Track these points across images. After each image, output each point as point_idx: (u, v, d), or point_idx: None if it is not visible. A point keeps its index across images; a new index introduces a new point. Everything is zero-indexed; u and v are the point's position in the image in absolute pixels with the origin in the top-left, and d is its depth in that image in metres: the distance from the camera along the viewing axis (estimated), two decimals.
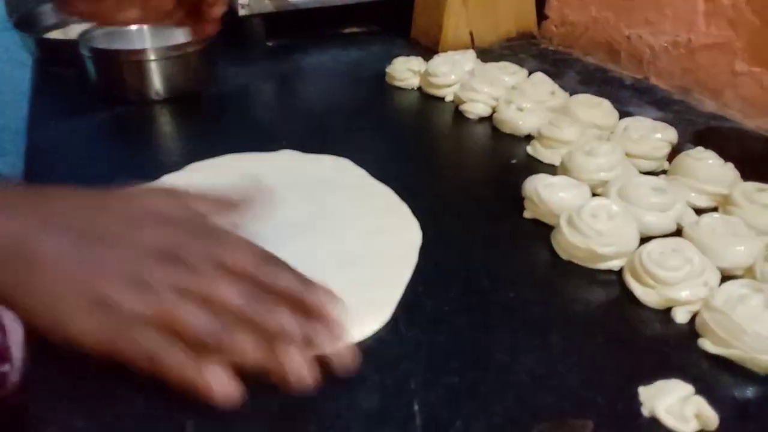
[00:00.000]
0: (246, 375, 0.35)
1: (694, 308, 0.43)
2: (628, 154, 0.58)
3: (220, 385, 0.34)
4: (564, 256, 0.49)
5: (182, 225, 0.38)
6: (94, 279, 0.34)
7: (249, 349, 0.34)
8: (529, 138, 0.66)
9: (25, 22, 0.90)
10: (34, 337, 0.35)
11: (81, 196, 0.38)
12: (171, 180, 0.56)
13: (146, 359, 0.34)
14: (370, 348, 0.40)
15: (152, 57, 0.72)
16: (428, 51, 0.87)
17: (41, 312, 0.34)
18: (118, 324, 0.34)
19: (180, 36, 0.76)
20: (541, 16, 0.96)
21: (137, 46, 0.80)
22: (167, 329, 0.34)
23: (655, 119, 0.64)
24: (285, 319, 0.35)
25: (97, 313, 0.34)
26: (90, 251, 0.35)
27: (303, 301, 0.36)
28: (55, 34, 0.93)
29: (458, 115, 0.73)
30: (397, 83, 0.80)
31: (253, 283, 0.36)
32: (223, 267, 0.36)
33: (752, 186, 0.52)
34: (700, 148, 0.57)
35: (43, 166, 0.62)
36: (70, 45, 0.77)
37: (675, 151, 0.60)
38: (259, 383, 0.37)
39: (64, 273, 0.34)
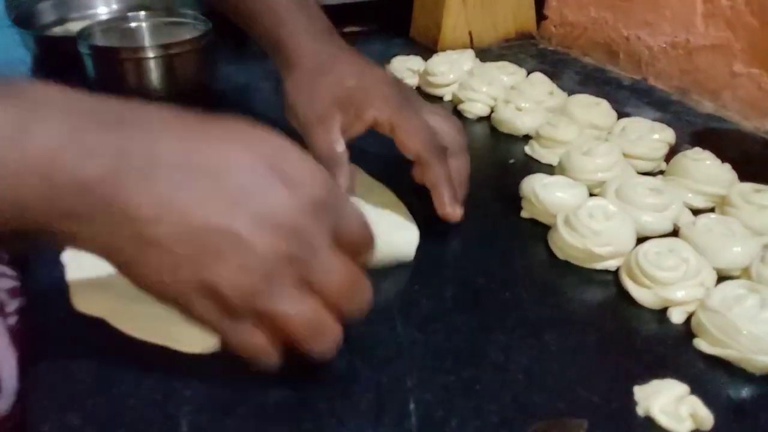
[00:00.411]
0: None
1: (689, 308, 0.43)
2: (625, 155, 0.58)
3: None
4: (561, 255, 0.49)
5: (310, 203, 0.32)
6: (205, 263, 0.29)
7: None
8: (527, 138, 0.66)
9: (24, 20, 0.90)
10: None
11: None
12: None
13: (244, 351, 0.32)
14: (365, 346, 0.40)
15: (151, 54, 0.72)
16: (427, 50, 0.87)
17: (151, 283, 0.30)
18: (223, 316, 0.31)
19: (179, 34, 0.76)
20: (540, 16, 0.96)
21: (136, 43, 0.80)
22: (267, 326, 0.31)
23: (654, 120, 0.64)
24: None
25: (209, 302, 0.30)
26: (211, 218, 0.29)
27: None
28: (54, 32, 0.93)
29: (457, 115, 0.73)
30: None
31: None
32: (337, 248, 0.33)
33: (749, 187, 0.52)
34: (697, 149, 0.57)
35: None
36: (69, 42, 0.77)
37: (673, 152, 0.60)
38: (255, 380, 0.37)
39: (175, 248, 0.29)
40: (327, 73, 0.50)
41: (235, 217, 0.29)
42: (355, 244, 0.34)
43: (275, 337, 0.32)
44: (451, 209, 0.47)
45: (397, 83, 0.52)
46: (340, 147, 0.48)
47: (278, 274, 0.30)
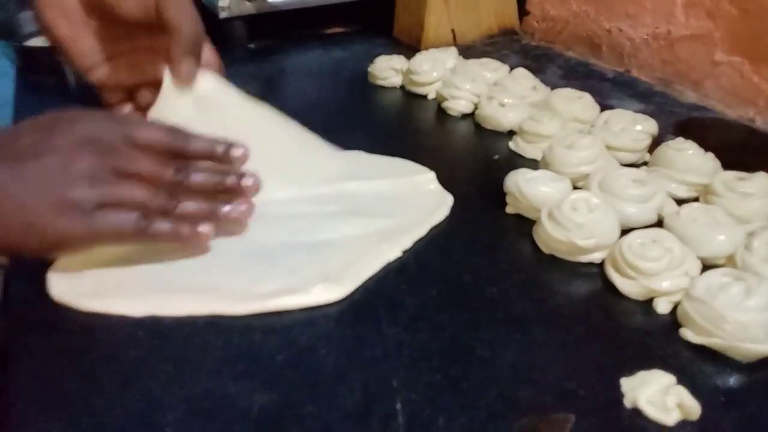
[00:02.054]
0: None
1: (675, 298, 0.43)
2: (608, 147, 0.58)
3: (195, 231, 0.44)
4: (546, 250, 0.49)
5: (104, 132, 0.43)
6: (49, 187, 0.40)
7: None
8: (511, 133, 0.66)
9: (5, 31, 0.89)
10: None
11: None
12: None
13: (120, 234, 0.42)
14: (352, 347, 0.40)
15: None
16: (410, 49, 0.86)
17: (9, 232, 0.40)
18: (84, 216, 0.40)
19: None
20: (523, 12, 0.96)
21: None
22: (123, 205, 0.42)
23: (637, 111, 0.64)
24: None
25: (66, 213, 0.40)
26: (36, 167, 0.40)
27: (216, 156, 0.46)
28: (35, 42, 0.92)
29: (441, 113, 0.73)
30: (380, 82, 0.80)
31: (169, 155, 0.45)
32: (138, 146, 0.43)
33: (732, 175, 0.52)
34: (680, 139, 0.57)
35: None
36: (50, 52, 0.76)
37: (656, 143, 0.60)
38: (240, 385, 0.37)
39: (17, 191, 0.39)
40: None
41: (49, 147, 0.41)
42: (151, 139, 0.44)
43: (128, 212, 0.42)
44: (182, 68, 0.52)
45: None
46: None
47: (97, 173, 0.41)
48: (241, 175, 0.46)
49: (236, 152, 0.46)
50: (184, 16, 0.51)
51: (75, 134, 0.42)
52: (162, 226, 0.43)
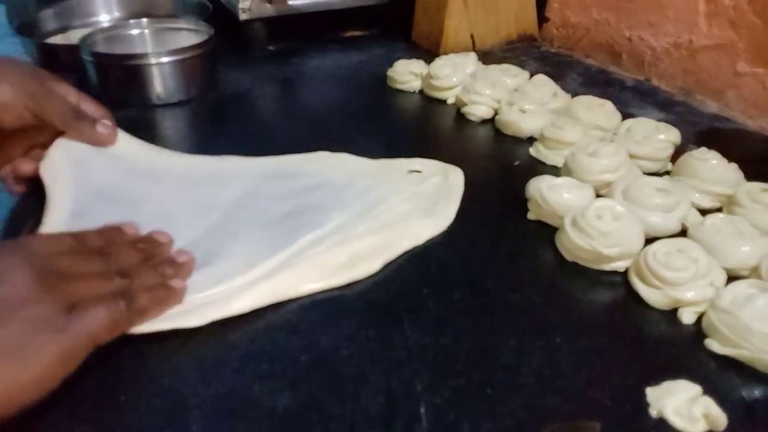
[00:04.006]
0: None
1: (700, 309, 0.43)
2: (631, 155, 0.58)
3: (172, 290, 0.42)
4: (568, 257, 0.49)
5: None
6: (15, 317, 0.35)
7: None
8: (531, 140, 0.66)
9: (27, 28, 0.90)
10: None
11: None
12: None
13: (111, 325, 0.38)
14: (375, 350, 0.40)
15: (154, 61, 0.72)
16: (429, 54, 0.87)
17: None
18: (56, 330, 0.35)
19: (182, 40, 0.76)
20: (542, 18, 0.96)
21: (139, 50, 0.80)
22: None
23: (658, 120, 0.64)
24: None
25: (38, 336, 0.35)
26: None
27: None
28: (56, 39, 0.93)
29: (460, 118, 0.73)
30: (399, 86, 0.80)
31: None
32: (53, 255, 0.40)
33: (756, 186, 0.52)
34: (703, 149, 0.56)
35: None
36: (71, 50, 0.77)
37: (678, 153, 0.60)
38: (264, 385, 0.37)
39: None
40: None
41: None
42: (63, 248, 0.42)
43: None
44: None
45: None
46: None
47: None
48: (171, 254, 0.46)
49: (160, 237, 0.46)
50: (53, 105, 0.54)
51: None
52: (142, 299, 0.40)
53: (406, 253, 0.49)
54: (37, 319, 0.35)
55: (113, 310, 0.38)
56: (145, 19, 0.84)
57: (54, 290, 0.37)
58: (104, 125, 0.57)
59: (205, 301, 0.42)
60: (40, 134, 0.56)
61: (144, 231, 0.47)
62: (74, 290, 0.38)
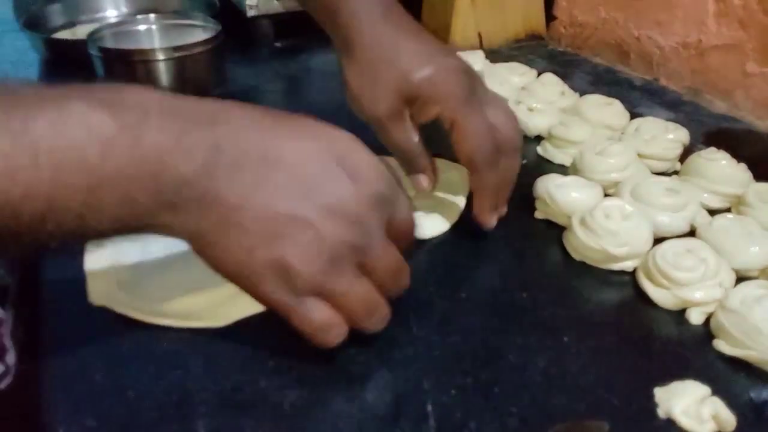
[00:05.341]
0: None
1: (708, 309, 0.43)
2: (639, 155, 0.58)
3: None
4: (576, 256, 0.48)
5: (373, 191, 0.36)
6: (280, 244, 0.33)
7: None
8: (539, 138, 0.66)
9: (34, 23, 0.90)
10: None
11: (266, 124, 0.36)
12: None
13: (308, 325, 0.35)
14: (381, 347, 0.40)
15: (161, 57, 0.72)
16: None
17: (229, 263, 0.34)
18: (292, 294, 0.34)
19: (189, 36, 0.76)
20: (550, 17, 0.96)
21: (146, 45, 0.80)
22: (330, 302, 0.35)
23: (666, 120, 0.64)
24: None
25: (275, 277, 0.33)
26: (285, 205, 0.33)
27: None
28: (63, 34, 0.93)
29: None
30: None
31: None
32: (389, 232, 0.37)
33: (765, 186, 0.52)
34: (712, 149, 0.56)
35: None
36: (78, 45, 0.77)
37: (686, 153, 0.59)
38: (271, 381, 0.37)
39: (252, 227, 0.33)
40: (391, 63, 0.46)
41: (306, 206, 0.33)
42: (403, 233, 0.38)
43: (338, 314, 0.35)
44: (488, 218, 0.49)
45: (466, 72, 0.47)
46: (416, 138, 0.48)
47: (341, 257, 0.34)
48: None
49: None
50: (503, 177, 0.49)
51: (360, 191, 0.35)
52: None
53: (412, 252, 0.49)
54: (284, 269, 0.33)
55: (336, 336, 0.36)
56: (152, 15, 0.84)
57: (335, 270, 0.34)
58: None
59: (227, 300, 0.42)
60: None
61: None
62: (344, 288, 0.35)
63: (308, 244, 0.33)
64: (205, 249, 0.34)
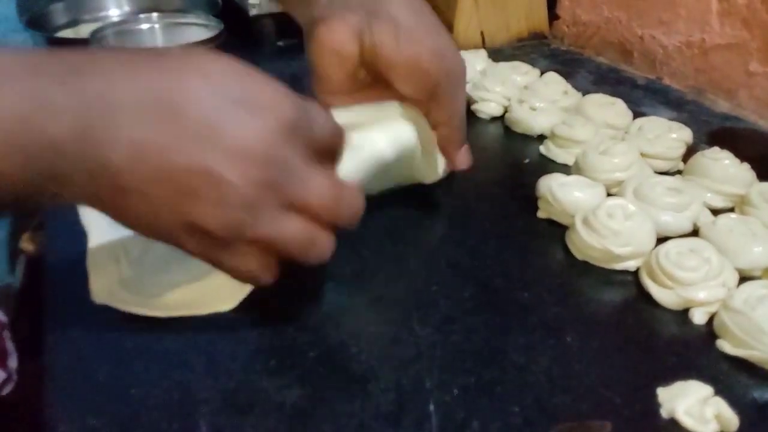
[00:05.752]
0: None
1: (711, 309, 0.42)
2: (642, 154, 0.57)
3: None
4: (579, 256, 0.48)
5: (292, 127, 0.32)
6: (185, 203, 0.30)
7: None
8: (541, 138, 0.66)
9: (37, 22, 0.90)
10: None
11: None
12: None
13: (239, 275, 0.35)
14: (383, 346, 0.40)
15: None
16: None
17: (139, 226, 0.32)
18: (214, 247, 0.32)
19: (191, 35, 0.76)
20: (553, 16, 0.95)
21: (149, 44, 0.80)
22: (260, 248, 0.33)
23: (669, 120, 0.63)
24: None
25: (195, 238, 0.32)
26: (193, 147, 0.30)
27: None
28: (66, 33, 0.93)
29: (470, 115, 0.72)
30: None
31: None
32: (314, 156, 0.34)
33: None
34: (715, 148, 0.56)
35: None
36: (81, 44, 0.77)
37: (689, 152, 0.59)
38: (273, 381, 0.37)
39: (157, 192, 0.30)
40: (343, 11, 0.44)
41: (206, 156, 0.30)
42: (330, 148, 0.35)
43: (269, 256, 0.34)
44: (458, 154, 0.49)
45: (408, 6, 0.45)
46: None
47: (258, 201, 0.31)
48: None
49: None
50: (454, 108, 0.48)
51: (264, 125, 0.31)
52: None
53: (415, 251, 0.49)
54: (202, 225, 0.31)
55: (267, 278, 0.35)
56: (155, 14, 0.84)
57: (259, 217, 0.32)
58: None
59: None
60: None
61: None
62: (273, 233, 0.33)
63: (215, 197, 0.30)
64: (110, 214, 0.31)
